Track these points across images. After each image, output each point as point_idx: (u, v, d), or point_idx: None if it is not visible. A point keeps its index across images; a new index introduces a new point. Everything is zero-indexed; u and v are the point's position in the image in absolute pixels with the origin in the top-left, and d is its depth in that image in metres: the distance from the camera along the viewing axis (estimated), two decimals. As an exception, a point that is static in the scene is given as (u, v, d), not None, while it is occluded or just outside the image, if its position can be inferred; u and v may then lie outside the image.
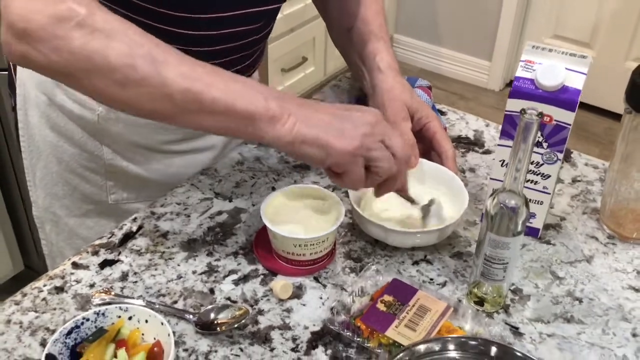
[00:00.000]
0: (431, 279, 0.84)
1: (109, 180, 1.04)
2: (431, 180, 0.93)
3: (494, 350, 0.65)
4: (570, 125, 0.80)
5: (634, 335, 0.78)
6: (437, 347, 0.65)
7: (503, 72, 3.18)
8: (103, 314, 0.71)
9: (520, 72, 0.81)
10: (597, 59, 2.81)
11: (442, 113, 1.15)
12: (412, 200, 0.88)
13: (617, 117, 0.93)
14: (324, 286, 0.83)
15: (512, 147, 0.70)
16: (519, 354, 0.65)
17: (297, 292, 0.82)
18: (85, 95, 0.87)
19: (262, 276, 0.84)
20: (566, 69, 0.80)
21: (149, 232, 0.90)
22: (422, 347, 0.65)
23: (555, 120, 0.81)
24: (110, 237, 0.89)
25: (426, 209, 0.89)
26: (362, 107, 0.79)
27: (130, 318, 0.71)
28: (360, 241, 0.89)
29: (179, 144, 1.04)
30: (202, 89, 0.72)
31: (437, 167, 0.93)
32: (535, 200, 0.87)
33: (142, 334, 0.71)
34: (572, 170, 1.04)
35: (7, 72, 1.09)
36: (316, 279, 0.84)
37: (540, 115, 0.67)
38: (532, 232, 0.90)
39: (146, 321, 0.71)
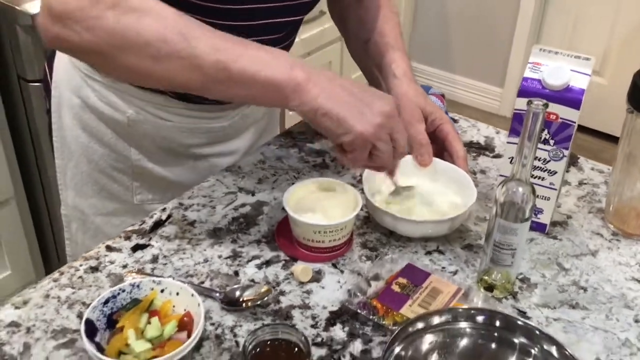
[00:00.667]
0: (443, 268, 0.89)
1: (136, 181, 1.10)
2: (443, 178, 0.98)
3: (500, 321, 0.69)
4: (575, 122, 0.86)
5: (637, 321, 0.83)
6: (447, 318, 0.69)
7: (515, 98, 3.23)
8: (138, 286, 0.76)
9: (528, 73, 0.87)
10: (608, 87, 2.88)
11: (455, 121, 1.20)
12: (395, 182, 0.93)
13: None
14: (342, 272, 0.88)
15: (519, 138, 0.76)
16: (522, 323, 0.69)
17: (316, 276, 0.87)
18: (118, 77, 0.92)
19: (283, 262, 0.89)
20: (571, 70, 0.85)
21: (178, 220, 0.95)
22: (435, 319, 0.70)
23: (561, 118, 0.86)
24: (141, 225, 0.94)
25: (398, 190, 0.95)
26: (382, 93, 0.84)
27: (162, 291, 0.77)
28: (376, 232, 0.94)
29: (203, 148, 1.10)
30: (230, 59, 0.77)
31: (449, 166, 0.98)
32: (542, 196, 0.92)
33: (174, 306, 0.76)
34: (579, 174, 1.09)
35: (38, 83, 1.15)
36: (334, 265, 0.89)
37: (546, 105, 0.73)
38: (539, 228, 0.95)
39: (177, 294, 0.76)
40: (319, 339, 0.78)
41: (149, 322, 0.73)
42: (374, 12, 1.13)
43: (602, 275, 0.89)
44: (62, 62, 1.08)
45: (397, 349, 0.67)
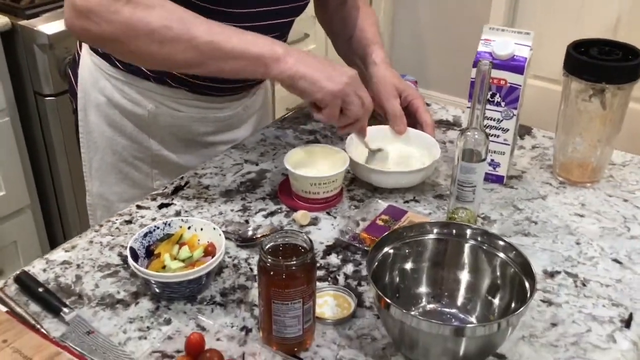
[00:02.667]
0: (419, 212, 1.07)
1: (154, 168, 1.27)
2: (415, 144, 1.17)
3: (456, 229, 0.87)
4: (520, 86, 1.05)
5: (578, 243, 1.01)
6: (416, 232, 0.87)
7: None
8: (169, 224, 0.93)
9: (481, 47, 1.06)
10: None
11: (427, 104, 1.39)
12: (367, 145, 1.12)
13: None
14: (334, 217, 1.05)
15: (472, 94, 0.94)
16: (473, 228, 0.87)
17: (313, 222, 1.04)
18: (131, 60, 1.09)
19: (285, 212, 1.06)
20: (515, 43, 1.05)
21: (194, 185, 1.13)
22: (406, 232, 0.87)
23: (509, 83, 1.05)
24: (164, 190, 1.12)
25: (374, 152, 1.14)
26: (344, 65, 1.03)
27: (189, 227, 0.94)
28: (362, 189, 1.12)
29: (211, 136, 1.28)
30: (222, 40, 0.96)
31: (419, 134, 1.17)
32: (499, 152, 1.11)
33: (199, 239, 0.93)
34: (532, 140, 1.28)
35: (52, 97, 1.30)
36: (328, 213, 1.06)
37: (491, 64, 0.92)
38: (498, 179, 1.13)
39: (201, 229, 0.93)
40: (318, 265, 0.95)
41: (180, 250, 0.90)
42: (354, 12, 1.32)
43: (550, 212, 1.07)
44: (87, 67, 1.26)
45: (378, 255, 0.84)
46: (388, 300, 0.75)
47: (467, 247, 0.87)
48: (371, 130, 1.12)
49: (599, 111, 1.07)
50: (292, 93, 1.01)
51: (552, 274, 0.94)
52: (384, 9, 3.29)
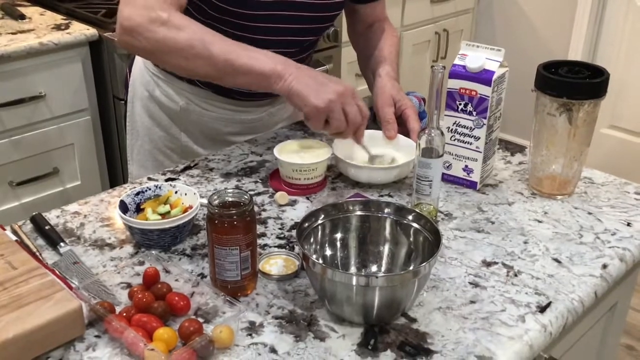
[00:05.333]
0: (388, 204, 1.18)
1: (183, 159, 1.46)
2: (404, 149, 1.28)
3: (387, 209, 0.98)
4: (489, 97, 1.14)
5: (525, 242, 1.08)
6: (347, 207, 0.99)
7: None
8: (159, 187, 1.10)
9: (457, 61, 1.17)
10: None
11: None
12: (367, 150, 1.25)
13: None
14: (311, 202, 1.19)
15: (428, 95, 1.05)
16: (401, 205, 0.97)
17: (292, 203, 1.18)
18: (164, 68, 1.29)
19: (271, 193, 1.21)
20: (486, 58, 1.15)
21: (201, 167, 1.30)
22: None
23: (479, 94, 1.15)
24: (175, 167, 1.29)
25: (373, 157, 1.25)
26: (339, 79, 1.17)
27: (176, 192, 1.10)
28: (345, 182, 1.25)
29: (236, 136, 1.45)
30: (234, 58, 1.13)
31: (408, 141, 1.28)
32: (472, 158, 1.20)
33: (182, 202, 1.09)
34: (522, 157, 1.35)
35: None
36: (307, 198, 1.20)
37: (444, 68, 1.03)
38: (471, 185, 1.22)
39: (185, 194, 1.10)
40: (281, 235, 1.09)
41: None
42: (378, 34, 1.47)
43: (510, 216, 1.15)
44: (138, 64, 1.48)
45: (309, 225, 0.96)
46: (312, 258, 0.88)
47: (386, 222, 0.98)
48: (369, 135, 1.26)
49: (565, 126, 1.14)
50: (290, 104, 1.17)
51: (489, 264, 1.02)
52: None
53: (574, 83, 1.12)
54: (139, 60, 1.47)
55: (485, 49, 1.17)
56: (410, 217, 0.97)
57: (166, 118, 1.44)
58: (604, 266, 1.02)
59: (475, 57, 1.15)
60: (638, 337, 2.33)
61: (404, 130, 1.31)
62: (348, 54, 2.61)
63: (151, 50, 1.16)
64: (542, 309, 0.93)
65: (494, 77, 1.14)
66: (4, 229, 1.04)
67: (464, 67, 1.16)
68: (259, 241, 1.06)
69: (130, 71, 1.52)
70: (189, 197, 1.09)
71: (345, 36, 2.56)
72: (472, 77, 1.15)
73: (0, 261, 0.92)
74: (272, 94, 1.41)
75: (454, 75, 1.17)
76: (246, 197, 0.93)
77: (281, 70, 1.13)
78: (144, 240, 1.04)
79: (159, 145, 1.47)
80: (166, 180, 1.24)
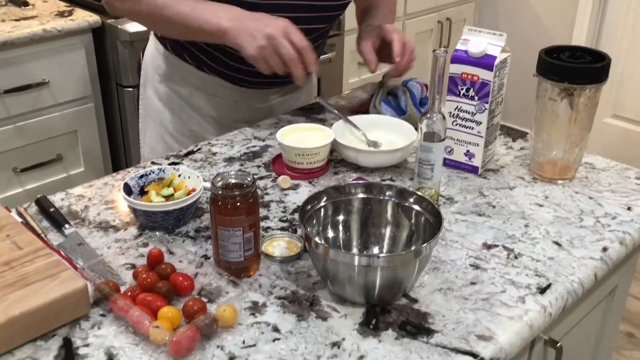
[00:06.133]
0: (390, 188, 1.18)
1: (193, 143, 1.47)
2: (403, 134, 1.28)
3: (389, 192, 0.99)
4: (491, 82, 1.15)
5: (526, 225, 1.09)
6: (349, 190, 1.00)
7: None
8: (163, 171, 1.11)
9: (459, 46, 1.18)
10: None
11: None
12: (365, 136, 1.27)
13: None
14: (314, 186, 1.19)
15: (430, 80, 1.06)
16: (402, 188, 0.98)
17: (294, 187, 1.19)
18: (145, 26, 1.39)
19: (274, 177, 1.22)
20: (488, 43, 1.16)
21: (204, 152, 1.31)
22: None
23: (481, 79, 1.16)
24: (179, 152, 1.30)
25: (371, 142, 1.27)
26: (271, 21, 1.17)
27: (179, 175, 1.11)
28: (347, 167, 1.25)
29: (241, 123, 1.46)
30: (185, 20, 1.20)
31: (403, 124, 1.29)
32: (473, 143, 1.21)
33: (186, 185, 1.10)
34: (524, 143, 1.36)
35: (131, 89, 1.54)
36: (310, 182, 1.20)
37: (446, 52, 1.03)
38: (473, 170, 1.23)
39: (189, 177, 1.10)
40: (284, 218, 1.09)
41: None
42: None
43: (511, 200, 1.16)
44: (150, 48, 1.48)
45: (312, 207, 0.97)
46: (314, 239, 0.89)
47: (388, 204, 0.99)
48: (367, 120, 1.27)
49: (567, 111, 1.15)
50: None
51: (489, 247, 1.03)
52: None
53: (576, 68, 1.13)
54: (150, 44, 1.48)
55: (487, 34, 1.17)
56: (411, 200, 0.98)
57: (177, 102, 1.45)
58: (604, 249, 1.03)
59: (477, 42, 1.16)
60: (638, 325, 2.34)
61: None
62: (350, 43, 2.61)
63: (134, 11, 1.27)
64: (542, 290, 0.94)
65: (496, 62, 1.14)
66: (10, 211, 1.05)
67: (466, 52, 1.17)
68: (262, 224, 1.07)
69: (143, 55, 1.52)
70: (192, 180, 1.10)
71: (348, 24, 2.57)
72: (474, 62, 1.15)
73: (6, 241, 0.93)
74: (277, 83, 1.42)
75: (456, 60, 1.17)
76: (249, 178, 0.94)
77: (226, 27, 1.18)
78: (147, 222, 1.05)
79: (169, 130, 1.47)
80: (170, 164, 1.25)
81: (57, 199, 1.14)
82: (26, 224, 1.04)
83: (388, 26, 1.36)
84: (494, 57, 1.14)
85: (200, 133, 1.45)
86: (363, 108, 1.45)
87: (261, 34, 1.15)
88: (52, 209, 1.08)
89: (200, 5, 1.20)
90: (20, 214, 1.07)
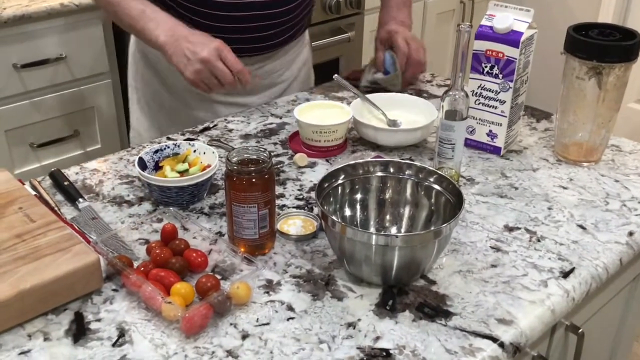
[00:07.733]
0: (410, 168, 1.16)
1: (172, 115, 1.43)
2: (424, 113, 1.25)
3: (408, 171, 0.96)
4: (516, 59, 1.11)
5: (550, 208, 1.05)
6: (367, 167, 0.97)
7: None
8: (178, 146, 1.09)
9: (484, 22, 1.14)
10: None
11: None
12: (385, 115, 1.25)
13: None
14: (331, 164, 1.17)
15: (453, 57, 1.03)
16: (422, 166, 0.95)
17: (312, 165, 1.16)
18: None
19: (290, 155, 1.19)
20: (514, 19, 1.12)
21: (220, 128, 1.28)
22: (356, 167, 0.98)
23: (506, 56, 1.12)
24: (194, 128, 1.28)
25: (391, 122, 1.25)
26: (206, 43, 1.19)
27: (195, 151, 1.09)
28: (365, 146, 1.23)
29: (224, 96, 1.40)
30: (133, 24, 1.25)
31: (424, 102, 1.26)
32: (496, 123, 1.17)
33: (201, 161, 1.08)
34: (549, 124, 1.32)
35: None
36: (327, 160, 1.18)
37: (470, 26, 1.00)
38: (495, 150, 1.20)
39: (204, 153, 1.08)
40: (300, 197, 1.07)
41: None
42: None
43: (534, 182, 1.12)
44: None
45: (329, 185, 0.95)
46: (331, 217, 0.86)
47: (407, 183, 0.96)
48: (386, 98, 1.24)
49: (594, 90, 1.11)
50: None
51: (511, 229, 1.00)
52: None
53: (605, 45, 1.09)
54: None
55: (513, 10, 1.13)
56: (431, 179, 0.95)
57: (155, 76, 1.43)
58: (630, 233, 1.00)
59: (503, 17, 1.12)
60: (659, 314, 2.29)
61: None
62: (371, 22, 2.57)
63: (100, 3, 1.33)
64: (566, 275, 0.91)
65: (522, 38, 1.10)
66: (23, 184, 1.04)
67: (491, 27, 1.13)
68: (278, 202, 1.05)
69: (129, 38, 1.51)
70: (208, 156, 1.08)
71: (369, 3, 2.53)
72: (500, 38, 1.12)
73: (19, 214, 0.92)
74: (261, 51, 1.39)
75: (480, 36, 1.14)
76: (265, 154, 0.92)
77: (162, 42, 1.21)
78: (162, 197, 1.03)
79: (150, 104, 1.47)
80: (185, 140, 1.23)
81: (72, 173, 1.13)
82: (40, 197, 1.03)
83: (400, 32, 1.37)
84: (521, 34, 1.11)
85: (176, 107, 1.43)
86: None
87: (196, 57, 1.18)
88: (66, 183, 1.07)
89: (148, 10, 1.24)
90: (34, 187, 1.06)
